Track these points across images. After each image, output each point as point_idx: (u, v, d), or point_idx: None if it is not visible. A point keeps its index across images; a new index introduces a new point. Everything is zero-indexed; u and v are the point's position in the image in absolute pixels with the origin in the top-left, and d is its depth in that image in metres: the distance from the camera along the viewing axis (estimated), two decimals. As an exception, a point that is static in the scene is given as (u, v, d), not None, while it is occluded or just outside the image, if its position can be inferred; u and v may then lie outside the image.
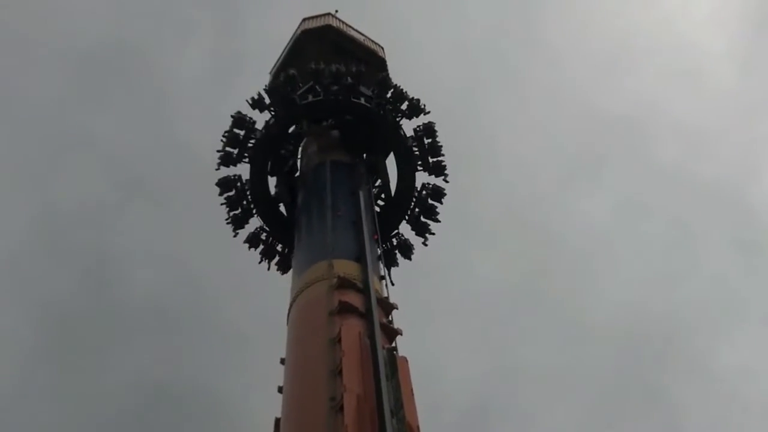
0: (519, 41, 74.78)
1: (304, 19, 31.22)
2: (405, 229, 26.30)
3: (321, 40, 29.25)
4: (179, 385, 55.06)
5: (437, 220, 26.16)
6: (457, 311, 57.27)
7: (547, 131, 70.04)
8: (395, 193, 25.82)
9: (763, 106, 74.63)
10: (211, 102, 64.25)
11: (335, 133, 24.84)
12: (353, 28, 30.76)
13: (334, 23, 30.55)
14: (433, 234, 26.24)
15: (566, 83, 73.13)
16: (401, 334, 17.24)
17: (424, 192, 25.90)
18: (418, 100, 25.71)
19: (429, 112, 25.82)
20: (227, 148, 25.10)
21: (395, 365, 15.13)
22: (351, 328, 15.86)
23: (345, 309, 16.60)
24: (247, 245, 26.05)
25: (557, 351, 59.52)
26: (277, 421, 15.64)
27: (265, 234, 25.88)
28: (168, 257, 60.15)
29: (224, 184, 25.33)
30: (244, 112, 25.23)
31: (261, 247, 25.99)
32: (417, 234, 26.21)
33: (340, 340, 15.37)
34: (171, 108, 66.48)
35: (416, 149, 25.66)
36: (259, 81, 29.00)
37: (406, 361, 15.69)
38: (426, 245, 26.25)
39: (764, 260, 67.04)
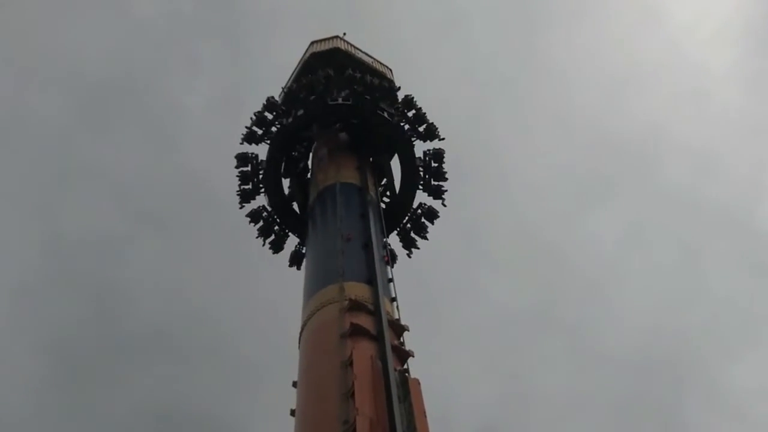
0: (525, 65, 75.02)
1: (313, 42, 31.49)
2: (393, 240, 26.98)
3: (329, 62, 29.43)
4: (187, 413, 55.32)
5: (425, 238, 27.38)
6: (468, 335, 57.21)
7: (555, 155, 70.32)
8: (390, 204, 27.07)
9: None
10: (218, 132, 65.01)
11: (344, 135, 26.11)
12: (361, 51, 30.99)
13: (343, 46, 30.80)
14: (418, 248, 27.35)
15: (574, 107, 73.36)
16: (413, 356, 17.23)
17: (419, 210, 27.17)
18: (435, 127, 27.11)
19: (443, 139, 27.24)
20: (254, 127, 26.99)
21: (407, 387, 15.16)
22: (363, 351, 15.89)
23: (356, 331, 16.63)
24: (257, 233, 27.64)
25: (568, 375, 59.37)
26: (291, 444, 15.68)
27: (277, 226, 27.50)
28: (175, 287, 60.69)
29: (242, 159, 27.15)
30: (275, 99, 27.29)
31: (261, 223, 27.55)
32: (404, 246, 27.44)
33: (351, 363, 15.39)
34: (179, 139, 67.32)
35: (422, 170, 26.90)
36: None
37: (419, 383, 15.67)
38: (410, 257, 27.43)
39: None
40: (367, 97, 26.34)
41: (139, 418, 54.54)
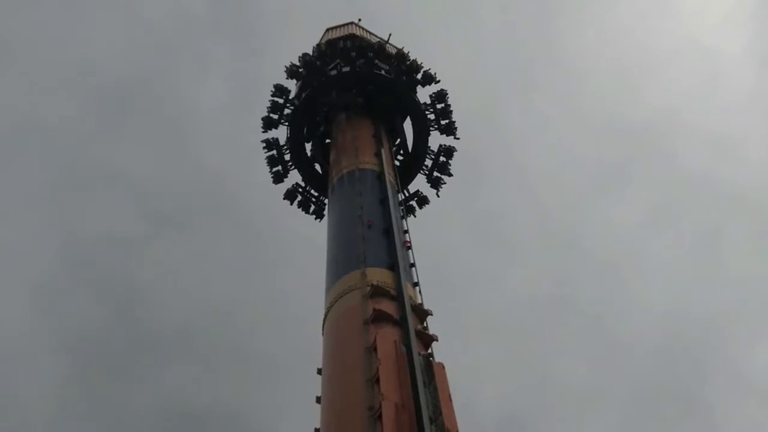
0: (539, 54, 74.49)
1: (328, 29, 31.51)
2: (421, 182, 29.62)
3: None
4: (210, 410, 55.84)
5: (450, 174, 29.60)
6: (488, 323, 57.12)
7: (571, 142, 69.78)
8: (412, 151, 29.16)
9: None
10: (233, 130, 65.52)
11: (360, 100, 27.79)
12: (376, 36, 30.92)
13: (358, 32, 30.77)
14: (444, 183, 29.57)
15: (588, 94, 72.79)
16: (437, 340, 17.17)
17: (440, 153, 29.33)
18: (431, 72, 29.31)
19: (439, 81, 29.39)
20: (270, 114, 29.00)
21: (432, 372, 15.15)
22: (386, 337, 15.89)
23: (380, 317, 16.64)
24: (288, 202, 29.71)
25: (589, 362, 59.22)
26: (317, 431, 15.72)
27: (301, 189, 29.58)
28: (195, 285, 61.14)
29: (267, 145, 29.26)
30: (282, 84, 29.22)
31: (299, 198, 29.63)
32: (431, 186, 29.65)
33: (375, 349, 15.40)
34: (194, 138, 67.64)
35: (430, 113, 29.14)
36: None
37: (443, 367, 15.66)
38: (438, 196, 29.74)
39: None
40: (361, 59, 28.39)
41: (162, 417, 55.34)
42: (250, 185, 60.90)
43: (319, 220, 29.48)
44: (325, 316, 18.62)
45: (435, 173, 29.54)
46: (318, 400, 16.42)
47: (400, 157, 28.99)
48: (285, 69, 29.27)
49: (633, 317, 61.72)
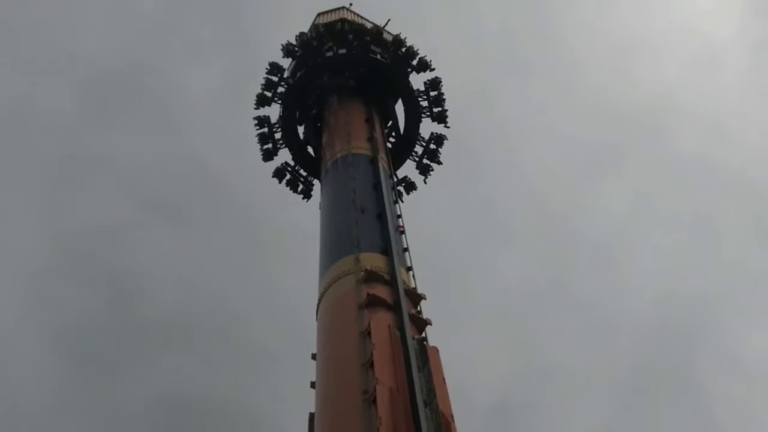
0: (532, 38, 74.17)
1: (319, 14, 31.33)
2: (410, 168, 29.79)
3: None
4: (204, 400, 55.88)
5: (440, 162, 29.84)
6: (481, 309, 57.31)
7: (565, 127, 69.73)
8: (403, 135, 29.15)
9: None
10: (226, 117, 65.27)
11: (352, 83, 27.92)
12: (369, 20, 30.75)
13: (349, 16, 30.60)
14: (433, 170, 29.77)
15: (581, 78, 72.55)
16: (431, 324, 17.22)
17: (431, 141, 29.54)
18: (427, 59, 29.39)
19: (434, 69, 29.55)
20: (264, 92, 29.15)
21: (426, 356, 15.14)
22: (380, 321, 15.91)
23: (373, 302, 16.64)
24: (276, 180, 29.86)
25: (583, 347, 59.45)
26: (312, 416, 15.75)
27: (290, 168, 29.68)
28: (189, 274, 61.03)
29: (259, 123, 29.42)
30: (277, 62, 29.29)
31: (287, 177, 29.76)
32: (420, 173, 29.88)
33: (370, 333, 15.42)
34: (185, 125, 67.27)
35: (423, 100, 29.32)
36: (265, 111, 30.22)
37: (437, 350, 15.67)
38: (426, 183, 29.96)
39: None
40: (356, 43, 28.48)
41: (156, 407, 55.46)
42: (244, 173, 60.81)
43: (306, 200, 29.81)
44: (319, 301, 18.63)
45: (425, 160, 29.73)
46: (312, 385, 16.47)
47: (391, 139, 29.10)
48: (281, 47, 29.21)
49: (626, 302, 62.14)
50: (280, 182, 29.84)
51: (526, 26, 74.42)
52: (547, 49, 74.59)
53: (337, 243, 20.00)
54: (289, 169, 29.75)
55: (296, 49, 29.03)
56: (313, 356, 17.34)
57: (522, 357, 58.46)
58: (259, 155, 29.73)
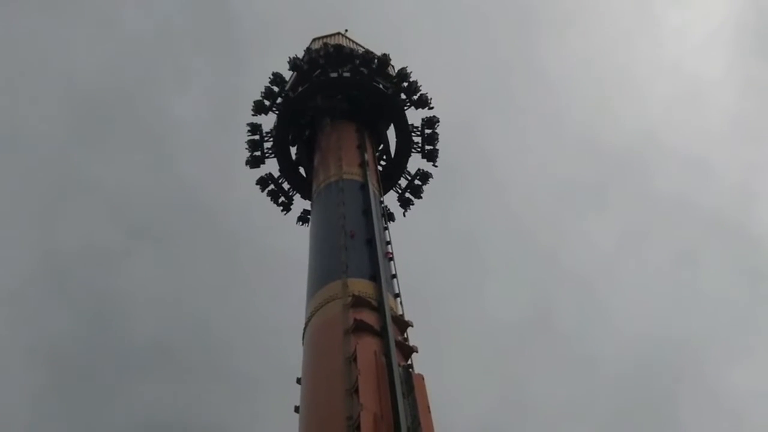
0: (518, 71, 74.45)
1: (314, 39, 31.55)
2: (391, 199, 29.80)
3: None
4: (186, 424, 55.43)
5: (420, 197, 30.21)
6: (464, 341, 56.93)
7: (549, 161, 70.11)
8: (398, 141, 29.41)
9: (761, 130, 74.33)
10: (212, 144, 65.72)
11: (345, 105, 28.07)
12: (363, 47, 30.99)
13: (345, 42, 30.86)
14: (413, 205, 30.06)
15: (567, 112, 73.03)
16: (417, 351, 17.19)
17: (416, 176, 29.90)
18: (428, 96, 29.61)
19: (433, 107, 29.78)
20: (254, 153, 29.59)
21: (411, 383, 15.14)
22: (366, 347, 15.88)
23: (360, 327, 16.60)
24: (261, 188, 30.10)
25: (565, 382, 59.31)
26: (295, 441, 15.67)
27: (274, 179, 29.89)
28: (173, 299, 60.93)
29: (252, 129, 29.65)
30: (254, 122, 29.68)
31: (270, 187, 30.01)
32: (401, 206, 30.13)
33: (355, 359, 15.37)
34: (173, 151, 67.55)
35: (417, 135, 29.65)
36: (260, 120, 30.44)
37: (423, 378, 15.68)
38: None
39: None
40: (364, 70, 28.77)
41: (137, 430, 54.82)
42: (228, 199, 61.36)
43: (285, 212, 30.17)
44: (306, 325, 18.59)
45: (407, 194, 30.02)
46: (296, 409, 16.38)
47: (382, 162, 29.39)
48: (288, 60, 29.48)
49: (609, 337, 62.17)
50: (262, 191, 30.06)
51: (513, 59, 74.74)
52: (532, 83, 75.32)
53: (326, 267, 19.99)
54: (273, 180, 29.97)
55: (303, 64, 29.23)
56: (298, 380, 17.27)
57: (503, 390, 58.38)
58: (245, 180, 30.18)
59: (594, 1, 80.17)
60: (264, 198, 30.19)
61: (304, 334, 18.55)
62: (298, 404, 16.51)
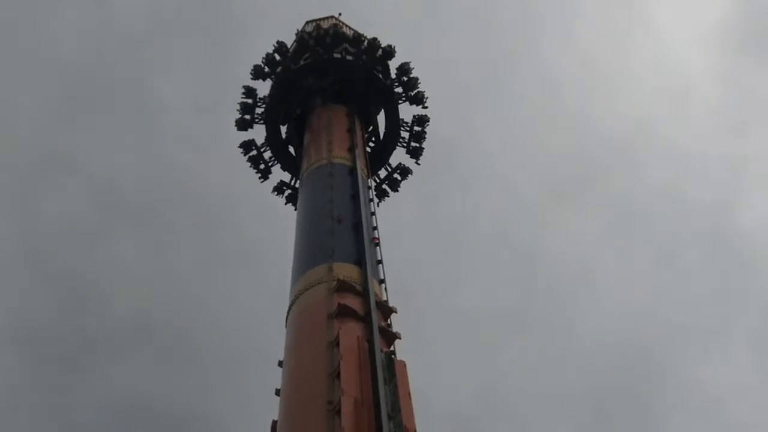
0: (507, 62, 73.79)
1: (308, 22, 31.33)
2: (401, 155, 30.36)
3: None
4: (164, 407, 55.53)
5: (396, 191, 30.38)
6: (443, 331, 57.15)
7: (534, 154, 70.08)
8: (386, 132, 29.72)
9: (746, 126, 74.68)
10: (198, 128, 65.49)
11: (337, 87, 28.27)
12: (357, 32, 30.80)
13: (339, 25, 30.67)
14: (423, 150, 30.25)
15: (552, 106, 73.00)
16: (400, 338, 17.15)
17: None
18: (424, 95, 29.84)
19: (427, 107, 30.08)
20: (243, 116, 29.78)
21: (393, 369, 15.12)
22: (350, 332, 15.82)
23: (344, 312, 16.55)
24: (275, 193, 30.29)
25: (543, 375, 59.64)
26: (274, 423, 15.63)
27: (256, 146, 30.10)
28: (152, 281, 60.84)
29: (247, 93, 29.88)
30: (249, 84, 29.97)
31: (252, 152, 30.26)
32: (411, 156, 30.38)
33: (338, 344, 15.33)
34: (158, 133, 66.95)
35: (405, 131, 29.92)
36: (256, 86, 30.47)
37: (405, 364, 15.66)
38: (419, 164, 30.53)
39: (751, 280, 67.03)
40: (364, 56, 28.94)
41: (113, 411, 54.90)
42: (211, 183, 61.25)
43: (262, 180, 30.37)
44: (290, 308, 18.50)
45: (384, 185, 30.24)
46: (277, 392, 16.33)
47: (371, 144, 29.59)
48: (296, 32, 30.22)
49: (589, 331, 62.41)
50: (244, 154, 30.25)
51: (501, 49, 74.47)
52: (518, 78, 75.07)
53: (312, 251, 19.91)
54: (257, 146, 30.16)
55: (310, 39, 29.49)
56: (280, 363, 17.22)
57: (481, 381, 58.69)
58: (228, 165, 30.43)
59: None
60: (247, 181, 30.83)
61: (287, 316, 18.48)
62: (278, 387, 16.46)
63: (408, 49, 30.95)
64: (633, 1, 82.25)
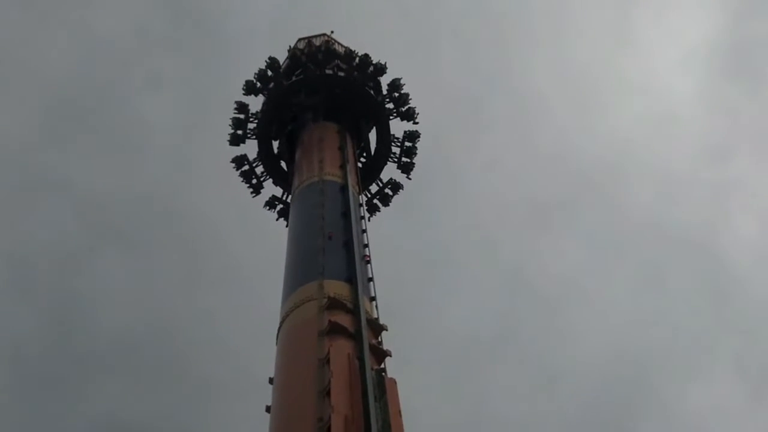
0: (492, 84, 74.17)
1: (300, 39, 31.51)
2: (392, 170, 30.59)
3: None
4: (147, 428, 55.09)
5: (387, 205, 30.55)
6: (426, 354, 56.96)
7: (518, 178, 70.13)
8: (377, 147, 30.02)
9: (731, 150, 75.36)
10: (181, 146, 65.81)
11: (329, 103, 28.45)
12: (349, 48, 30.98)
13: (331, 43, 30.86)
14: (414, 166, 30.43)
15: (537, 130, 73.09)
16: (390, 356, 17.24)
17: (405, 139, 30.26)
18: (415, 111, 30.16)
19: (418, 123, 30.36)
20: (236, 131, 30.01)
21: (384, 386, 15.16)
22: (340, 349, 15.88)
23: (335, 330, 16.60)
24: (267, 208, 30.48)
25: (526, 396, 59.67)
26: (265, 440, 15.64)
27: (248, 161, 30.28)
28: (137, 302, 60.60)
29: (239, 108, 30.04)
30: (242, 101, 30.20)
31: (245, 168, 30.34)
32: (402, 171, 30.57)
33: (329, 361, 15.37)
34: (142, 152, 67.12)
35: (396, 146, 30.12)
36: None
37: (395, 382, 15.70)
38: (410, 179, 30.70)
39: (733, 304, 67.30)
40: (356, 73, 29.31)
41: (101, 430, 54.50)
42: (196, 204, 61.38)
43: (254, 195, 30.50)
44: (280, 325, 18.57)
45: (375, 200, 30.40)
46: (268, 409, 16.36)
47: (362, 159, 29.79)
48: (288, 49, 30.48)
49: (572, 353, 62.37)
50: (236, 169, 30.29)
51: (486, 71, 74.48)
52: (504, 98, 75.54)
53: (302, 268, 19.98)
54: (249, 161, 30.27)
55: (302, 56, 29.74)
56: (270, 380, 17.25)
57: (464, 403, 58.48)
58: (213, 187, 30.57)
59: (570, 19, 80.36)
60: (231, 202, 30.89)
61: (278, 333, 18.52)
62: (265, 406, 16.51)
63: (399, 67, 31.23)
64: (620, 24, 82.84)
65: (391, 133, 30.08)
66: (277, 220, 30.08)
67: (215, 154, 30.43)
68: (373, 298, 19.59)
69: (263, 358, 18.38)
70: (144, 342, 59.58)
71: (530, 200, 68.70)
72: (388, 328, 18.33)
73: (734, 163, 75.29)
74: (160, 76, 70.69)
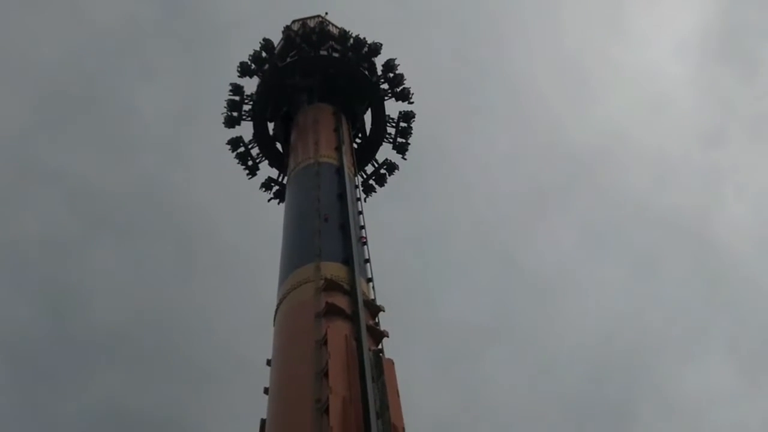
0: (485, 70, 74.26)
1: (294, 21, 31.34)
2: (387, 151, 30.70)
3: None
4: (144, 416, 55.47)
5: (383, 185, 30.58)
6: (421, 344, 57.17)
7: (513, 161, 70.25)
8: (372, 128, 30.09)
9: (723, 136, 75.25)
10: (175, 136, 66.02)
11: (324, 85, 28.48)
12: (343, 30, 30.81)
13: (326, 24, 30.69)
14: (409, 145, 30.45)
15: (530, 116, 73.06)
16: (388, 336, 17.22)
17: (400, 120, 30.24)
18: (410, 91, 30.08)
19: (413, 102, 30.23)
20: (231, 113, 29.90)
21: (381, 367, 15.17)
22: (337, 330, 15.87)
23: (332, 311, 16.60)
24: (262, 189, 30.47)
25: (522, 381, 59.96)
26: (263, 422, 15.65)
27: (244, 143, 30.21)
28: (131, 291, 60.84)
29: (234, 90, 29.93)
30: (237, 83, 30.05)
31: (240, 149, 30.28)
32: (398, 152, 30.60)
33: (326, 342, 15.36)
34: (136, 142, 67.11)
35: (392, 126, 30.12)
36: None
37: (392, 363, 15.69)
38: (405, 159, 30.74)
39: (726, 288, 67.56)
40: (350, 53, 29.21)
41: (95, 420, 54.84)
42: (189, 193, 61.29)
43: (250, 177, 30.41)
44: (277, 307, 18.56)
45: (371, 181, 30.46)
46: (266, 390, 16.37)
47: (358, 141, 29.80)
48: (282, 30, 30.33)
49: (567, 340, 62.74)
50: (232, 151, 30.20)
51: (478, 57, 74.26)
52: (498, 84, 75.39)
53: (299, 251, 19.95)
54: (244, 143, 30.25)
55: (296, 37, 29.66)
56: (268, 362, 17.26)
57: (460, 389, 58.84)
58: (208, 175, 30.55)
59: (564, 6, 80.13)
60: (224, 189, 30.89)
61: (275, 316, 18.52)
62: (263, 388, 16.49)
63: (394, 48, 31.06)
64: (613, 11, 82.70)
65: (387, 113, 30.06)
66: (268, 201, 30.24)
67: (208, 143, 30.61)
68: (369, 280, 19.55)
69: (260, 343, 18.41)
70: (140, 330, 60.03)
71: (524, 186, 68.93)
72: (385, 310, 18.33)
73: (727, 149, 75.45)
74: (153, 66, 70.59)
